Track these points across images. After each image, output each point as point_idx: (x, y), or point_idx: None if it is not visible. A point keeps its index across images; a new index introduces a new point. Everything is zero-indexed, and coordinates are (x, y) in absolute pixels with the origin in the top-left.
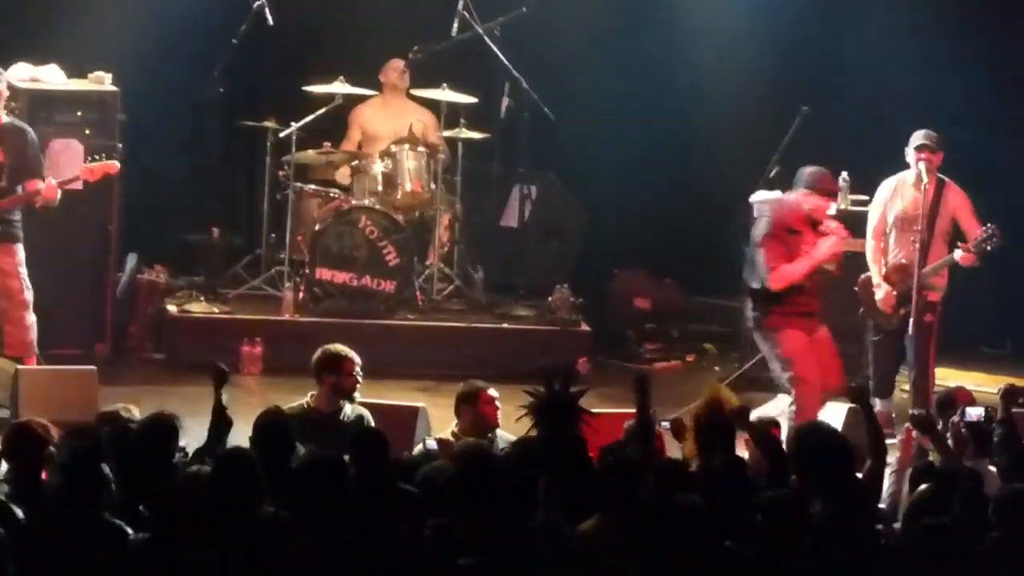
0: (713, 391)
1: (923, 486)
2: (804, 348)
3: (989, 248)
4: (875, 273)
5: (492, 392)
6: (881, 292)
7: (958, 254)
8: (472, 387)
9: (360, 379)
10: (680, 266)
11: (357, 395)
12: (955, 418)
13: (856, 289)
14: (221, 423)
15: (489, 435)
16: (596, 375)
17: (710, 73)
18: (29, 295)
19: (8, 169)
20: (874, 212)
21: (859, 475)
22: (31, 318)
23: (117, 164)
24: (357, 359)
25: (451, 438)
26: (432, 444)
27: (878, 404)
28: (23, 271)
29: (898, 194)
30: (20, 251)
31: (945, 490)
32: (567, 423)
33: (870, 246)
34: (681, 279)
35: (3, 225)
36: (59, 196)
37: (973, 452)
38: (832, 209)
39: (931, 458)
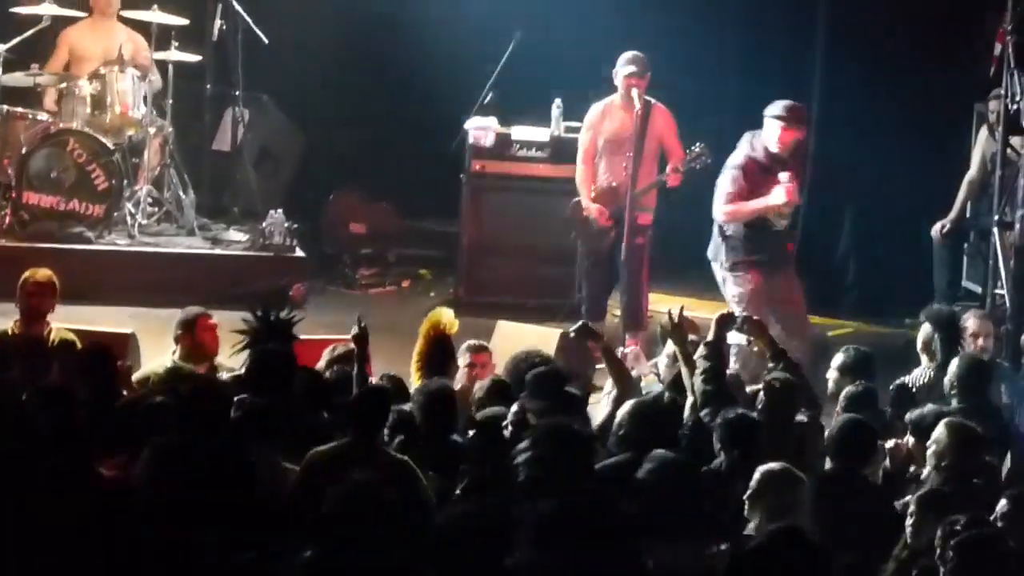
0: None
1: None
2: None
3: (697, 167)
4: (584, 196)
5: (212, 320)
6: (593, 211)
7: (666, 175)
8: (190, 314)
9: (53, 301)
10: (395, 190)
11: (57, 323)
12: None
13: (567, 214)
14: None
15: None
16: (311, 301)
17: None
18: None
19: None
20: (584, 136)
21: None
22: None
23: None
24: (47, 280)
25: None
26: None
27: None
28: None
29: (607, 117)
30: None
31: None
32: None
33: (580, 169)
34: (396, 203)
35: None
36: None
37: None
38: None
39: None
